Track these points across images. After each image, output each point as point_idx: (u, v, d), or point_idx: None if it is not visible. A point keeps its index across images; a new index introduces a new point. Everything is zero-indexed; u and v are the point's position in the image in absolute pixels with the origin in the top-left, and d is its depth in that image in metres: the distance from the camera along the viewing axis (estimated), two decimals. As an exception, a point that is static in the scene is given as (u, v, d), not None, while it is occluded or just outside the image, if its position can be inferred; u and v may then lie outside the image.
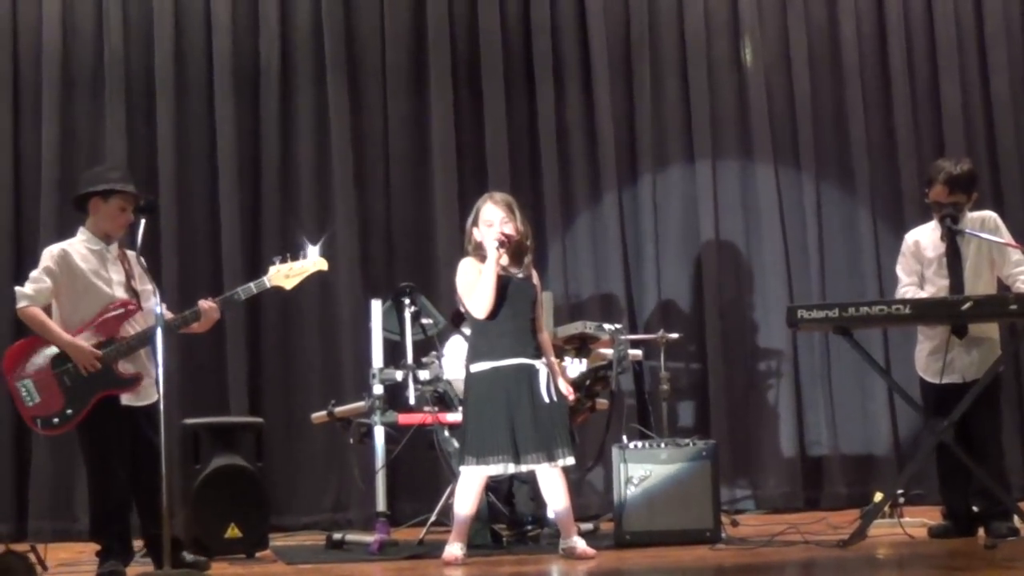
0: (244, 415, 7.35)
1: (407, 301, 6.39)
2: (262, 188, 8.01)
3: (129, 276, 5.42)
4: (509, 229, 5.58)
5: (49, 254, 5.36)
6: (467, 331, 6.27)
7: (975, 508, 5.86)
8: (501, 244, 5.54)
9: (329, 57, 8.06)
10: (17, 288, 5.33)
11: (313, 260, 5.64)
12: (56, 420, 5.25)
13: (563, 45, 8.37)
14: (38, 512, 7.46)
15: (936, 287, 5.89)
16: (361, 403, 6.37)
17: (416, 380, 6.23)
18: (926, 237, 5.98)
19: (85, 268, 5.30)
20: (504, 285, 5.56)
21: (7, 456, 7.53)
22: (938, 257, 5.91)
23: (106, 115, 7.81)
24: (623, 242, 8.27)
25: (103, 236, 5.41)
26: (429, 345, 6.46)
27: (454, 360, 6.35)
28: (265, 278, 5.58)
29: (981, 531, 5.82)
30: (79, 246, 5.40)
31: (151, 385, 5.38)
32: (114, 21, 7.85)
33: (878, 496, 6.22)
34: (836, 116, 8.58)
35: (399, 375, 6.27)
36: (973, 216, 5.93)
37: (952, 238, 5.84)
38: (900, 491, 6.24)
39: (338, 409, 6.55)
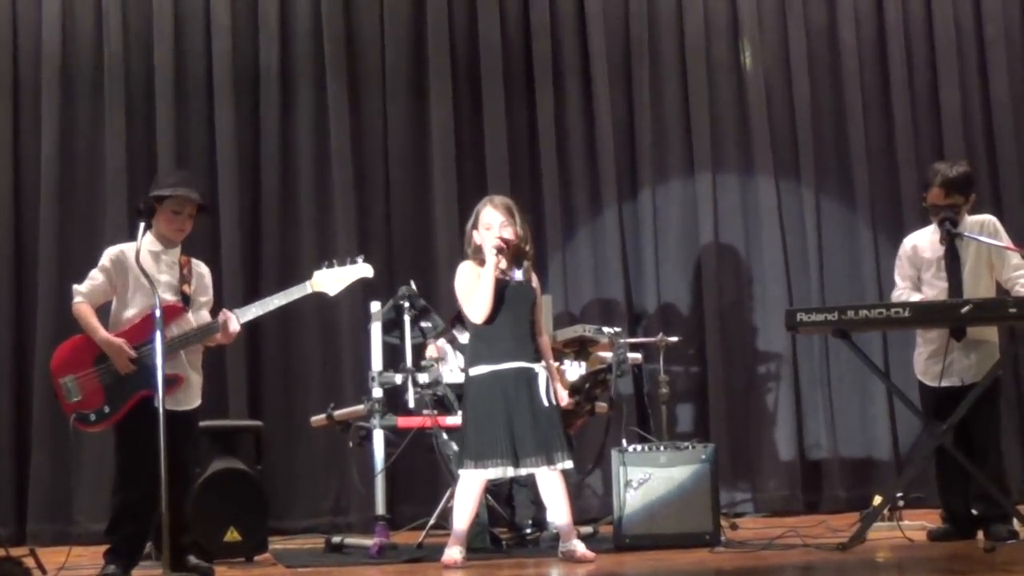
0: (243, 418, 7.34)
1: (406, 304, 6.39)
2: (261, 191, 8.01)
3: (183, 281, 5.46)
4: (508, 233, 5.57)
5: (107, 253, 5.45)
6: (458, 335, 6.29)
7: (974, 511, 5.86)
8: (499, 249, 5.54)
9: (329, 60, 8.07)
10: (74, 286, 5.40)
11: (360, 266, 5.63)
12: (93, 417, 5.29)
13: (563, 48, 8.38)
14: (37, 516, 7.45)
15: (935, 290, 5.89)
16: (360, 406, 6.36)
17: (415, 383, 6.22)
18: (924, 241, 5.98)
19: (139, 269, 5.32)
20: (503, 289, 5.56)
21: (6, 460, 7.53)
22: (937, 260, 5.90)
23: (105, 117, 7.82)
24: (623, 245, 8.28)
25: (163, 240, 5.47)
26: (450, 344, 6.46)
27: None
28: (308, 283, 5.57)
29: (980, 534, 5.82)
30: (142, 247, 5.41)
31: (191, 390, 5.42)
32: (114, 24, 7.86)
33: (877, 499, 6.20)
34: (835, 120, 8.59)
35: (398, 378, 6.26)
36: (972, 220, 5.93)
37: (951, 241, 5.84)
38: (899, 494, 6.23)
39: (337, 412, 6.54)
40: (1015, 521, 5.70)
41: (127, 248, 5.41)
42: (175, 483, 5.19)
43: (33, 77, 7.82)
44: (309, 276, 5.63)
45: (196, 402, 5.47)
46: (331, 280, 5.59)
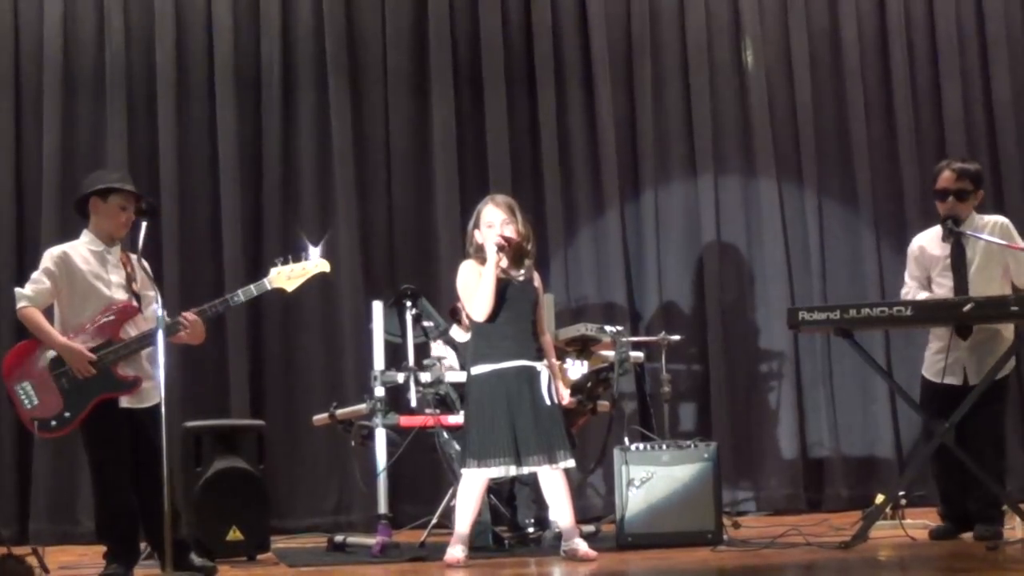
0: (245, 418, 7.34)
1: (408, 303, 6.39)
2: (263, 190, 8.01)
3: (131, 279, 5.39)
4: (510, 231, 5.57)
5: (49, 255, 5.34)
6: (454, 335, 6.28)
7: (968, 509, 5.86)
8: (500, 248, 5.53)
9: (330, 60, 8.06)
10: (16, 289, 5.31)
11: (315, 262, 5.60)
12: (54, 423, 5.22)
13: (564, 48, 8.37)
14: (40, 515, 7.45)
15: (943, 289, 5.90)
16: (362, 405, 6.35)
17: (417, 382, 6.21)
18: (932, 240, 5.98)
19: (85, 270, 5.28)
20: (504, 288, 5.55)
21: (9, 459, 7.53)
22: (944, 258, 5.91)
23: (107, 118, 7.81)
24: (624, 244, 8.27)
25: (105, 237, 5.39)
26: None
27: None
28: (265, 280, 5.54)
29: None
30: (81, 248, 5.37)
31: (152, 388, 5.34)
32: (115, 24, 7.86)
33: (880, 498, 6.20)
34: (837, 119, 8.58)
35: (400, 377, 6.25)
36: (984, 219, 5.93)
37: (957, 239, 5.84)
38: (902, 493, 6.24)
39: (339, 411, 6.53)
40: (1006, 522, 5.71)
41: (69, 248, 5.34)
42: (149, 476, 5.13)
43: (35, 78, 7.81)
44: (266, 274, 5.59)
45: (156, 399, 5.27)
46: (284, 277, 5.54)
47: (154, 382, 5.29)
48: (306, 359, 7.90)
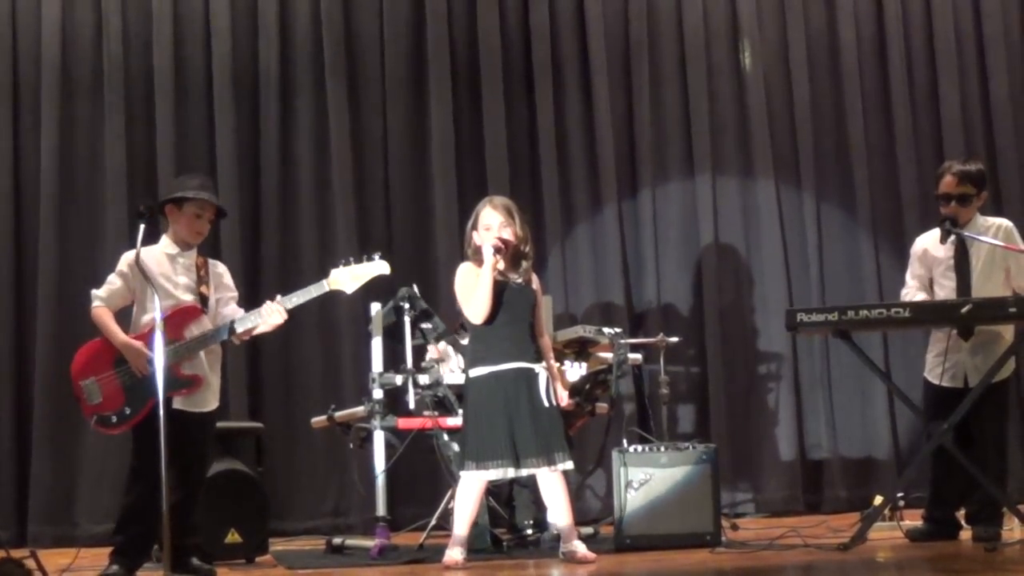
0: (244, 420, 7.33)
1: (407, 305, 6.39)
2: (261, 193, 8.01)
3: (201, 282, 5.50)
4: (508, 234, 5.57)
5: (124, 257, 5.48)
6: (460, 339, 6.28)
7: (965, 510, 5.86)
8: (498, 250, 5.53)
9: (328, 62, 8.06)
10: (93, 291, 5.44)
11: (378, 263, 5.61)
12: (114, 419, 5.34)
13: (562, 49, 8.37)
14: (38, 518, 7.45)
15: (945, 290, 5.89)
16: (361, 407, 6.36)
17: (416, 384, 6.23)
18: (936, 241, 5.96)
19: (156, 271, 5.37)
20: (501, 290, 5.55)
21: (7, 462, 7.52)
22: (947, 260, 5.90)
23: (105, 120, 7.82)
24: (623, 246, 8.27)
25: (180, 243, 5.52)
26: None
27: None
28: (324, 281, 5.55)
29: (968, 534, 5.83)
30: (156, 251, 5.50)
31: (210, 391, 5.45)
32: (113, 27, 7.86)
33: (878, 499, 6.21)
34: (835, 120, 8.58)
35: (399, 379, 6.26)
36: (989, 222, 5.93)
37: (960, 241, 5.84)
38: (900, 494, 6.24)
39: (338, 413, 6.55)
40: (1004, 525, 5.71)
41: (144, 252, 5.42)
42: (185, 484, 5.24)
43: (33, 79, 7.82)
44: (326, 274, 5.59)
45: (213, 404, 5.51)
46: (347, 278, 5.57)
47: (214, 387, 5.46)
48: (304, 361, 7.90)
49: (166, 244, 5.53)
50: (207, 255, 5.71)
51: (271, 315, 5.40)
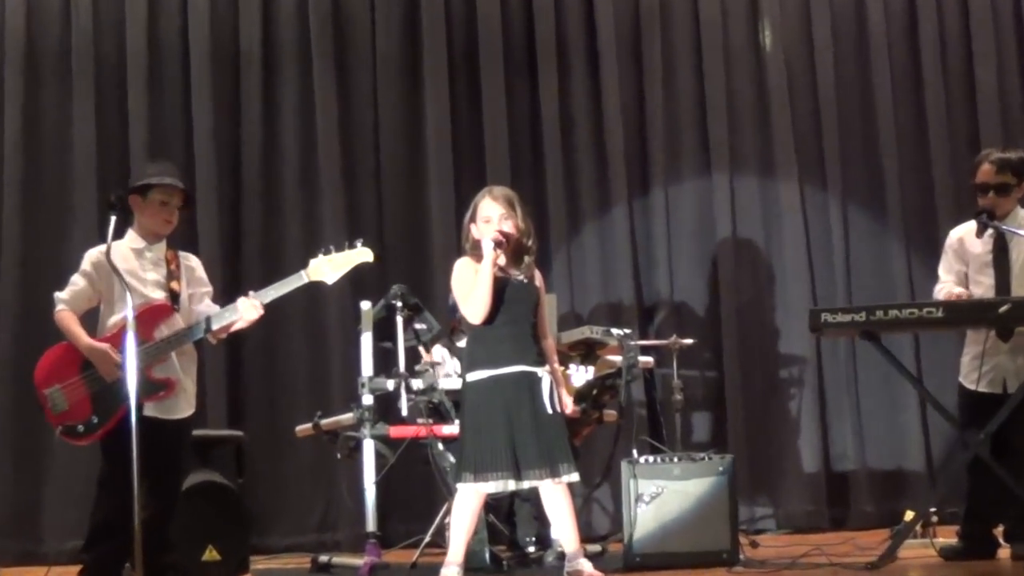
0: (223, 428, 7.36)
1: (399, 304, 6.38)
2: (242, 182, 8.04)
3: (171, 277, 5.46)
4: (509, 226, 5.54)
5: (87, 256, 5.44)
6: (457, 341, 6.27)
7: (1004, 527, 5.83)
8: (498, 244, 5.51)
9: (315, 41, 8.09)
10: (55, 293, 5.39)
11: (359, 250, 5.58)
12: (81, 428, 5.29)
13: (568, 29, 8.38)
14: (1, 532, 7.47)
15: (981, 288, 5.88)
16: (349, 415, 6.37)
17: (409, 390, 6.22)
18: (971, 234, 5.95)
19: (122, 268, 5.30)
20: (502, 288, 5.52)
21: (-32, 474, 7.53)
22: (984, 255, 5.89)
23: (74, 102, 7.84)
24: (633, 241, 8.27)
25: (149, 235, 5.48)
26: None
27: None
28: (303, 272, 5.51)
29: (1006, 552, 5.81)
30: (122, 246, 5.44)
31: (184, 397, 5.42)
32: (83, 0, 7.85)
33: (909, 514, 6.21)
34: (862, 105, 8.57)
35: (390, 384, 6.26)
36: None
37: (999, 235, 5.82)
38: (933, 509, 6.23)
39: (324, 421, 6.57)
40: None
41: (111, 247, 5.36)
42: (158, 498, 5.21)
43: (-6, 56, 7.84)
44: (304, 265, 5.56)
45: (188, 411, 5.47)
46: (328, 267, 5.53)
47: (188, 391, 5.43)
48: (289, 364, 7.92)
49: (132, 238, 5.48)
50: (184, 247, 5.69)
51: (247, 310, 5.38)
